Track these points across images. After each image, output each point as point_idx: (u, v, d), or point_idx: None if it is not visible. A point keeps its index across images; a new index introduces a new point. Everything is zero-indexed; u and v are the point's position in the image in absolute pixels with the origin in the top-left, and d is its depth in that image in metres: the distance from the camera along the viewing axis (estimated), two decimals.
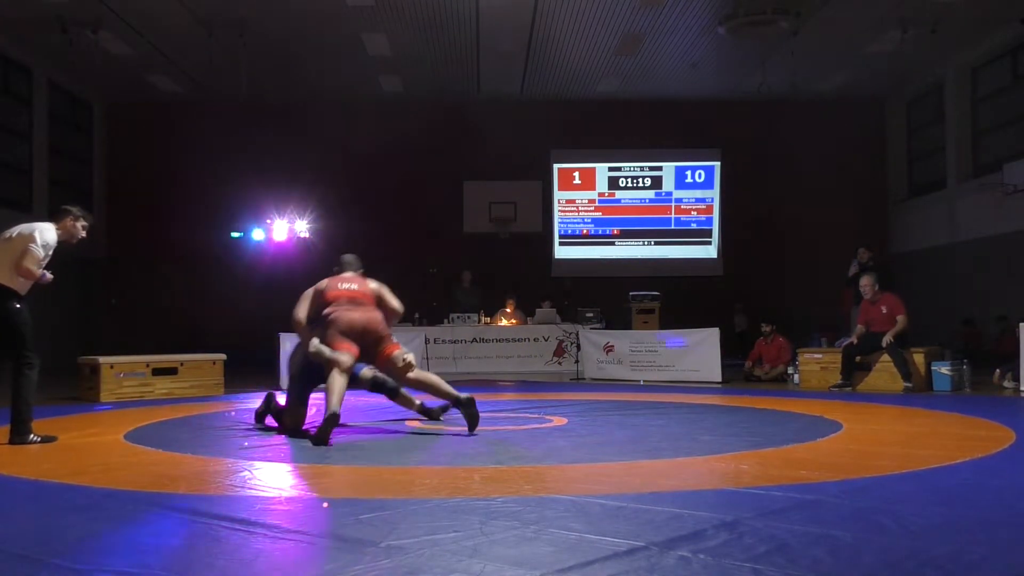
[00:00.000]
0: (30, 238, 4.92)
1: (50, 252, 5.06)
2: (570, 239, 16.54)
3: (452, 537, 2.65)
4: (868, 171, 16.54)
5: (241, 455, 4.56)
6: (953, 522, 2.88)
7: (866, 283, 9.13)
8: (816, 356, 9.35)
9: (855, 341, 8.91)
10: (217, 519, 2.93)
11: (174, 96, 15.52)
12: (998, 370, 8.76)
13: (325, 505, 3.26)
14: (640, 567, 2.33)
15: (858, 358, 8.83)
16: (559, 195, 16.53)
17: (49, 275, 5.10)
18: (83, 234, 5.22)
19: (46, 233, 5.01)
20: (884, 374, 8.76)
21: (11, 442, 4.86)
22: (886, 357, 8.70)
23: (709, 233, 16.52)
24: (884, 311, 8.85)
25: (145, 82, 14.85)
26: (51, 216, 5.26)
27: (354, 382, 5.25)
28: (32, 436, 4.92)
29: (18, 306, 4.94)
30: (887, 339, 8.61)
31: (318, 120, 15.85)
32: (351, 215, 15.56)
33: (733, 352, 11.94)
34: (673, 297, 13.34)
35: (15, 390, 4.90)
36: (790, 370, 9.82)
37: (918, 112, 16.06)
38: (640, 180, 16.53)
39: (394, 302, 5.45)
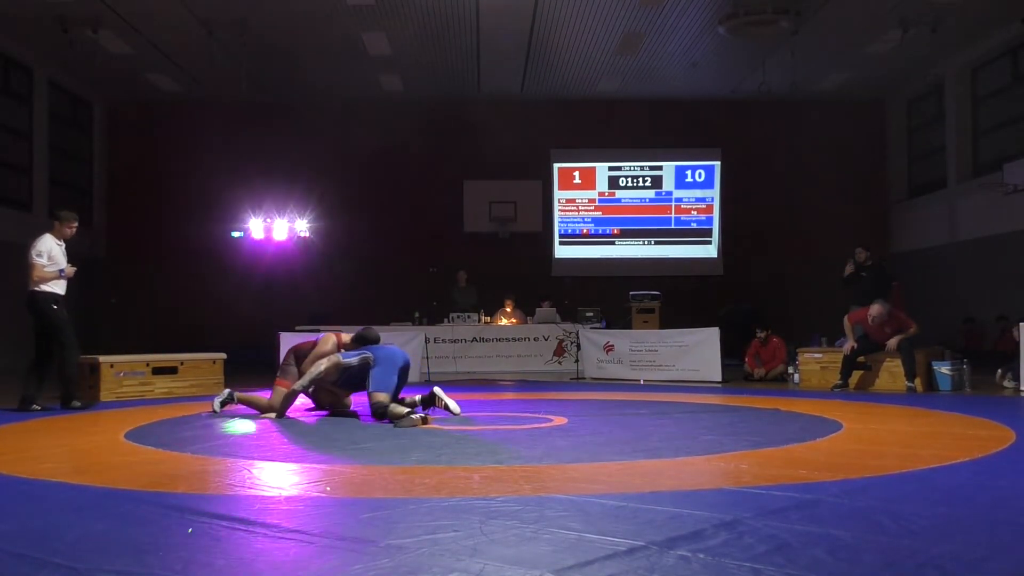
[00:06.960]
0: None
1: None
2: (570, 239, 16.54)
3: (452, 537, 2.64)
4: (868, 171, 16.53)
5: (241, 455, 4.56)
6: (953, 522, 2.88)
7: (877, 312, 8.63)
8: (816, 356, 9.34)
9: (854, 346, 8.80)
10: (217, 519, 2.93)
11: (174, 96, 15.51)
12: (1000, 370, 8.75)
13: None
14: (640, 567, 2.33)
15: (861, 358, 8.80)
16: (559, 194, 16.52)
17: None
18: None
19: None
20: (884, 374, 8.76)
21: None
22: (888, 357, 8.69)
23: (709, 233, 16.51)
24: (888, 332, 8.68)
25: (145, 82, 14.84)
26: None
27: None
28: None
29: None
30: (892, 345, 8.57)
31: (318, 120, 15.84)
32: (351, 215, 15.57)
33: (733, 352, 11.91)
34: (673, 297, 13.35)
35: None
36: (790, 370, 9.81)
37: (918, 112, 16.05)
38: (640, 180, 16.53)
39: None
